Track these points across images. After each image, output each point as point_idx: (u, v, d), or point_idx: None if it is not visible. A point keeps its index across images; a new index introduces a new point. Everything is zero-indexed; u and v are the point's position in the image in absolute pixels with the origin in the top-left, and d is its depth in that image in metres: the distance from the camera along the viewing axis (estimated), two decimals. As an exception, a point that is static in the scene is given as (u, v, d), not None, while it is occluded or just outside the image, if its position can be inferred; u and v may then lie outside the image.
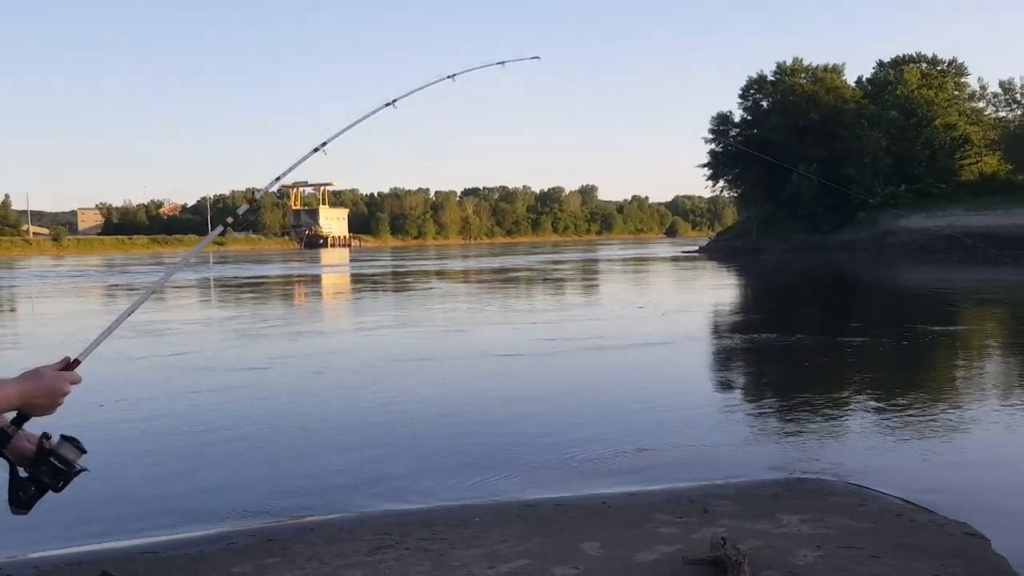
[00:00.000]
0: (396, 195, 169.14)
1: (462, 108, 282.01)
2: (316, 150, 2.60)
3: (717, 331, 17.18)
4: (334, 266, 59.15)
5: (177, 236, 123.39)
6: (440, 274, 43.81)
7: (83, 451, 1.84)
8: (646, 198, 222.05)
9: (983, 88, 66.67)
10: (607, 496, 6.12)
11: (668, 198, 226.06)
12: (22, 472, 1.83)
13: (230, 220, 2.48)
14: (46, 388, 1.79)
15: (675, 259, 57.15)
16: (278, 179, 2.48)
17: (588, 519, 5.56)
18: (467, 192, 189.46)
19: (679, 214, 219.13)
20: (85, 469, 1.85)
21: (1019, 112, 63.51)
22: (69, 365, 1.86)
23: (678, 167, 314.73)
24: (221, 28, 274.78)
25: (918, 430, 7.95)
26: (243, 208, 2.42)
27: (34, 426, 1.85)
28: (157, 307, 22.36)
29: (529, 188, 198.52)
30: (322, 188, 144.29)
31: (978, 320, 18.19)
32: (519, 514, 5.73)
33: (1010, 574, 4.48)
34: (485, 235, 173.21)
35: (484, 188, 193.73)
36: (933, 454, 7.17)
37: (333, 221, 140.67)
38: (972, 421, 8.31)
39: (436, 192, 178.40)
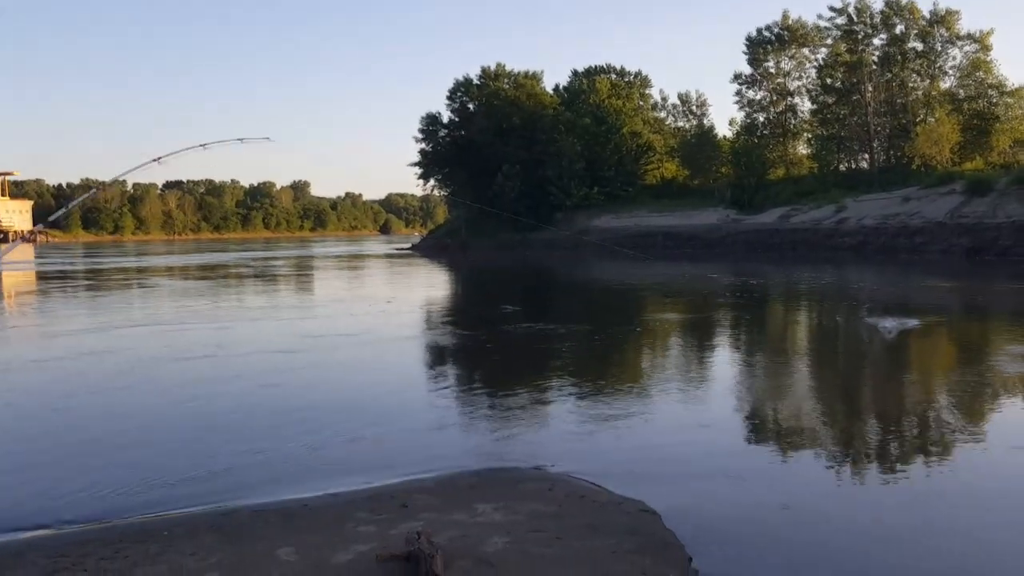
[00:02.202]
0: (88, 187, 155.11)
1: (158, 95, 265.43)
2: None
3: (462, 323, 17.68)
4: (26, 263, 53.22)
5: None
6: (162, 271, 41.06)
7: None
8: (360, 195, 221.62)
9: (664, 99, 73.76)
10: (308, 499, 5.97)
11: (382, 196, 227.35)
12: None
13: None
14: None
15: (390, 256, 57.46)
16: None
17: (287, 523, 5.40)
18: (169, 185, 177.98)
19: (393, 212, 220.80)
20: None
21: (694, 122, 70.81)
22: None
23: (392, 165, 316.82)
24: None
25: (611, 413, 8.48)
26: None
27: None
28: None
29: (238, 182, 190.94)
30: (1, 178, 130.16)
31: (690, 310, 19.70)
32: (213, 524, 5.43)
33: (676, 545, 4.91)
34: (190, 231, 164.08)
35: (188, 181, 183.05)
36: (622, 436, 7.65)
37: (15, 214, 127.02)
38: (657, 402, 9.03)
39: (135, 184, 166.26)
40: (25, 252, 65.56)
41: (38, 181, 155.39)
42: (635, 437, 7.62)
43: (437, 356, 13.22)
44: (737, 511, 5.58)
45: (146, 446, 7.57)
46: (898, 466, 6.69)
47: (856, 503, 5.82)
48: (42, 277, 36.96)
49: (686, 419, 8.29)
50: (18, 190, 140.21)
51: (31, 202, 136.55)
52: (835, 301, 20.92)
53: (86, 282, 33.29)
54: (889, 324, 14.67)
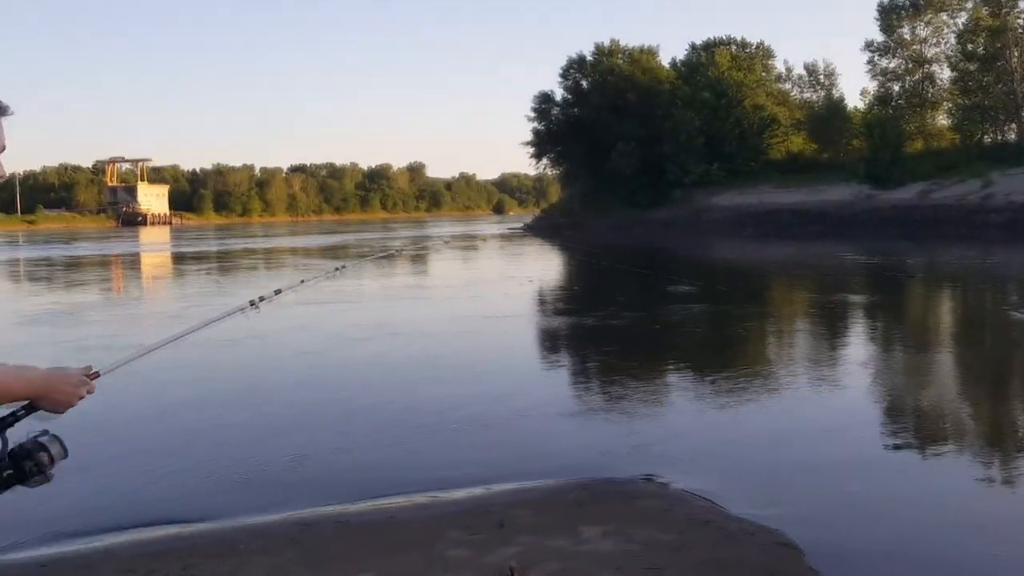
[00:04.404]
0: (219, 172, 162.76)
1: (286, 83, 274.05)
2: None
3: (622, 303, 16.96)
4: (175, 244, 56.13)
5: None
6: (304, 252, 42.11)
7: (66, 453, 1.85)
8: (474, 175, 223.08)
9: (789, 70, 70.18)
10: (396, 509, 5.34)
11: (495, 175, 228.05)
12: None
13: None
14: (68, 385, 1.83)
15: (505, 236, 57.04)
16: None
17: (371, 540, 4.79)
18: (294, 169, 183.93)
19: (506, 191, 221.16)
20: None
21: (822, 94, 67.29)
22: (91, 375, 1.91)
23: (505, 145, 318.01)
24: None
25: (753, 417, 7.57)
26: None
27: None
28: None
29: (357, 165, 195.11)
30: (140, 164, 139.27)
31: (834, 291, 18.45)
32: (293, 537, 4.89)
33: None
34: (313, 212, 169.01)
35: (311, 165, 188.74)
36: (746, 443, 6.74)
37: (152, 198, 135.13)
38: (812, 404, 8.02)
39: (262, 168, 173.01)
40: None
41: (174, 167, 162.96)
42: (776, 445, 6.61)
43: (592, 337, 12.72)
44: (898, 544, 4.58)
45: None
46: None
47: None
48: (200, 257, 38.11)
49: (842, 426, 7.08)
50: (156, 175, 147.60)
51: (167, 187, 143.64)
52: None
53: (242, 262, 34.46)
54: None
